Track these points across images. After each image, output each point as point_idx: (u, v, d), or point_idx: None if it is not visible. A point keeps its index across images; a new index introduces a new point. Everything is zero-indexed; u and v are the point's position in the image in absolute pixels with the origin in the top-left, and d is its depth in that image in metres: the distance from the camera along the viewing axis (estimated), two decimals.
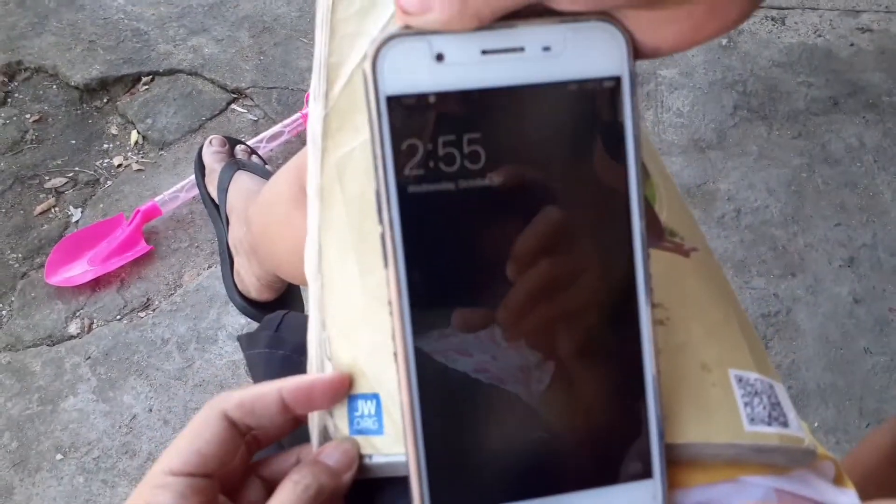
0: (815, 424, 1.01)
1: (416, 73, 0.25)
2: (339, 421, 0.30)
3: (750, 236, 1.17)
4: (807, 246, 1.16)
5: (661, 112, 1.32)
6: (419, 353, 0.27)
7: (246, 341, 0.50)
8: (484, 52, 0.26)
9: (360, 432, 0.29)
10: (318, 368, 0.32)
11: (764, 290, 1.11)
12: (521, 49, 0.26)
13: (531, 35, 0.26)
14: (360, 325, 0.31)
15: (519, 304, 0.27)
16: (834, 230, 1.17)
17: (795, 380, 1.04)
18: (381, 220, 0.26)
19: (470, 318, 0.27)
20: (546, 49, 0.26)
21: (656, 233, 0.34)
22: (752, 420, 0.30)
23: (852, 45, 1.40)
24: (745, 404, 0.30)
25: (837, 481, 0.35)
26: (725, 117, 1.31)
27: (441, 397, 0.27)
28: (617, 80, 0.26)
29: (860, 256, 1.15)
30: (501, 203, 0.26)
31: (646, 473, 0.28)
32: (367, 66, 0.25)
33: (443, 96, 0.26)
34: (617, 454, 0.28)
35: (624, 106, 0.26)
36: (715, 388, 0.30)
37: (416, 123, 0.26)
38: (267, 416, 0.28)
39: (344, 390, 0.30)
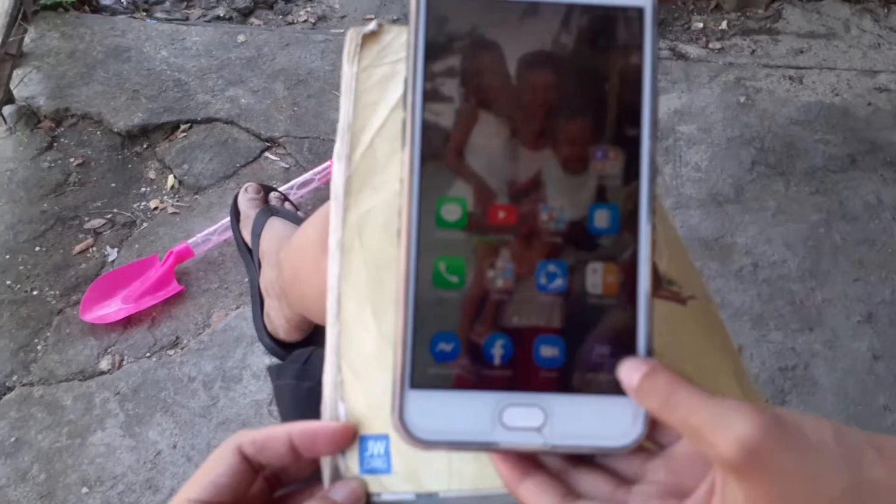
0: None
1: None
2: (350, 461, 0.32)
3: (767, 290, 1.18)
4: (825, 301, 1.16)
5: (680, 166, 1.35)
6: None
7: (275, 372, 0.53)
8: None
9: (371, 471, 0.32)
10: (332, 409, 0.34)
11: (781, 343, 1.12)
12: None
13: None
14: (374, 368, 0.34)
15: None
16: (852, 286, 1.18)
17: None
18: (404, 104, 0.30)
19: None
20: None
21: (654, 281, 0.36)
22: None
23: (870, 104, 1.43)
24: None
25: None
26: (743, 173, 1.33)
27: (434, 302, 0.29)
28: (640, 11, 0.30)
29: (879, 313, 1.15)
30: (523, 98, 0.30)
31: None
32: None
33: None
34: (603, 366, 0.28)
35: (646, 30, 0.30)
36: None
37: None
38: (276, 455, 0.31)
39: (347, 440, 0.32)
